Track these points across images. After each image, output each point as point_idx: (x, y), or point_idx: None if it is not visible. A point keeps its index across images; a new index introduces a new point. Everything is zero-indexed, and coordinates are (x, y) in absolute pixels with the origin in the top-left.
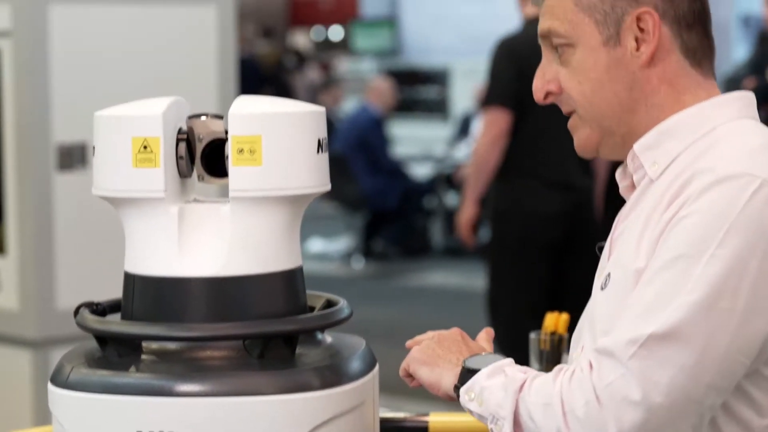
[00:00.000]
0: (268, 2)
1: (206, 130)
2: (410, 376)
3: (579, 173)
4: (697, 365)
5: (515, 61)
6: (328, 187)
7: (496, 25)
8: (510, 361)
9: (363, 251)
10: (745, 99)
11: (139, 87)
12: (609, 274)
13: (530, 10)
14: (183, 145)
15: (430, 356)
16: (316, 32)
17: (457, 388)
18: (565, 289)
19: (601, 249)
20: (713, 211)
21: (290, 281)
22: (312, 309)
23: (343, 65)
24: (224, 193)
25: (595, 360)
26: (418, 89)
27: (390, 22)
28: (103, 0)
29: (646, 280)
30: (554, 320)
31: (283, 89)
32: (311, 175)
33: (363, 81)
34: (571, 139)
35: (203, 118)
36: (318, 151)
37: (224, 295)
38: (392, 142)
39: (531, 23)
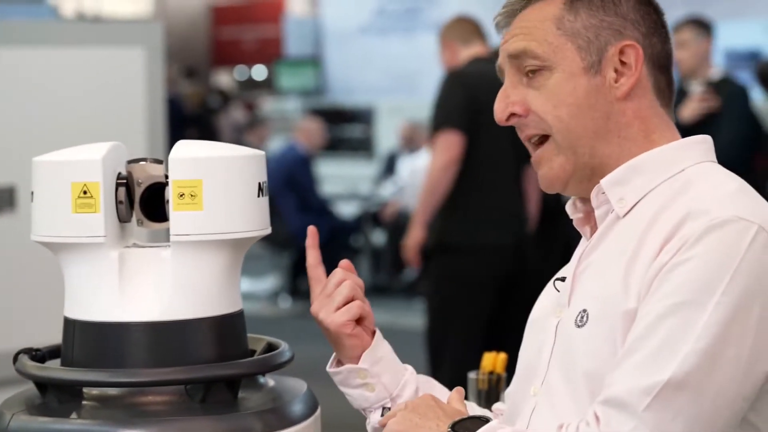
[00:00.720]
0: (191, 42)
1: (144, 174)
2: None
3: (522, 205)
4: (710, 414)
5: (465, 89)
6: (268, 230)
7: (419, 64)
8: (497, 422)
9: (290, 290)
10: (707, 143)
11: (68, 129)
12: (585, 311)
13: (469, 51)
14: (122, 190)
15: (409, 427)
16: (240, 72)
17: None
18: (508, 324)
19: (558, 280)
20: (715, 257)
21: (231, 325)
22: (253, 352)
23: (268, 104)
24: (155, 237)
25: (602, 413)
26: (343, 128)
27: (314, 61)
28: (30, 42)
29: (647, 324)
30: (492, 360)
31: (207, 129)
32: (252, 218)
33: (288, 120)
34: (515, 170)
35: (142, 162)
36: (258, 195)
37: (166, 339)
38: (318, 181)
39: (474, 61)
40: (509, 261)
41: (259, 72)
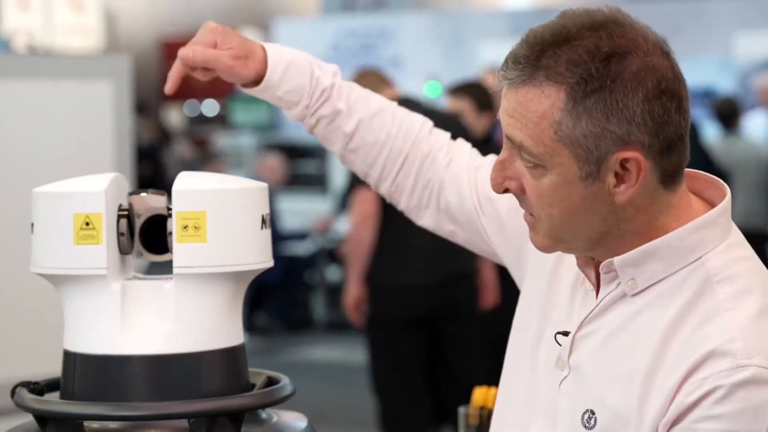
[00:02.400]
0: (141, 77)
1: (145, 206)
2: None
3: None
4: None
5: None
6: (271, 263)
7: None
8: None
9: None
10: (728, 210)
11: (34, 163)
12: (593, 414)
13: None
14: (124, 222)
15: None
16: (190, 107)
17: None
18: (444, 361)
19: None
20: (744, 420)
21: (234, 358)
22: (253, 386)
23: (222, 140)
24: (142, 269)
25: None
26: (297, 163)
27: None
28: None
29: None
30: (483, 395)
31: (158, 165)
32: (256, 250)
33: (242, 156)
34: None
35: (143, 194)
36: (262, 227)
37: (168, 373)
38: (274, 216)
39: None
40: (431, 299)
41: (210, 107)
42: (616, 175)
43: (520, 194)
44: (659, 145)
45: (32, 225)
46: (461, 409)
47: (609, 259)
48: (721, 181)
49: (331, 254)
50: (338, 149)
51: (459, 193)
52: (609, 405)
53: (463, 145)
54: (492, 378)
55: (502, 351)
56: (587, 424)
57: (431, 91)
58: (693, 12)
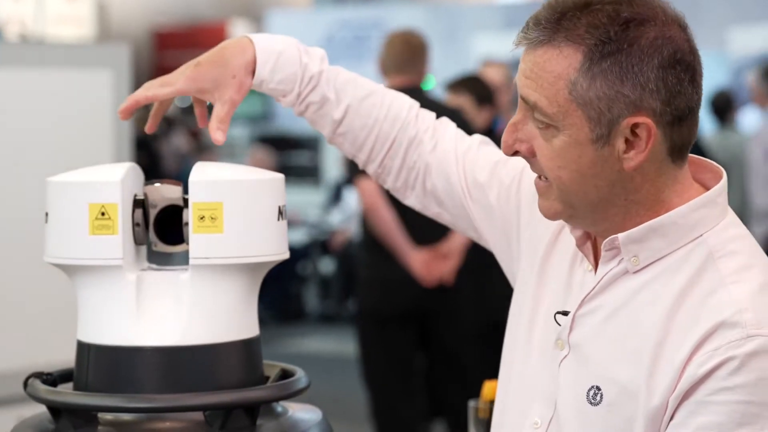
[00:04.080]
0: (133, 67)
1: (160, 196)
2: None
3: (438, 235)
4: None
5: None
6: (287, 254)
7: None
8: None
9: None
10: (725, 190)
11: (31, 153)
12: (599, 390)
13: (396, 80)
14: (139, 212)
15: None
16: (182, 97)
17: None
18: (437, 353)
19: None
20: (760, 390)
21: (249, 350)
22: (267, 378)
23: None
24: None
25: None
26: (290, 155)
27: None
28: None
29: None
30: (492, 388)
31: (152, 155)
32: (272, 242)
33: (234, 147)
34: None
35: (157, 184)
36: (278, 219)
37: (183, 364)
38: None
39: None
40: (414, 293)
41: None
42: (626, 141)
43: (530, 157)
44: (670, 115)
45: (46, 214)
46: (471, 403)
47: (613, 236)
48: (716, 163)
49: (324, 246)
50: (327, 133)
51: (446, 177)
52: (616, 381)
53: (447, 126)
54: (489, 368)
55: (500, 339)
56: (593, 401)
57: (425, 84)
58: (687, 5)
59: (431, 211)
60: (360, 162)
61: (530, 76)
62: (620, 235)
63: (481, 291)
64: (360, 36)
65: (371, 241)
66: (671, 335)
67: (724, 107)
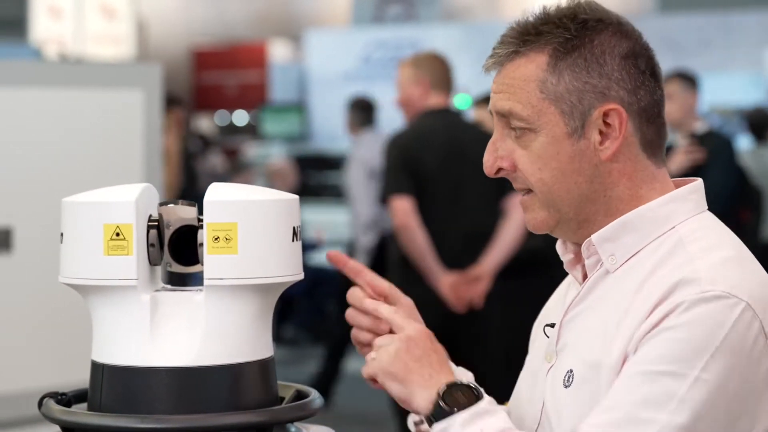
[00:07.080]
0: (172, 86)
1: (175, 216)
2: (375, 380)
3: (472, 256)
4: None
5: (403, 152)
6: (301, 275)
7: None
8: (486, 404)
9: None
10: (699, 191)
11: (64, 171)
12: (571, 372)
13: (440, 99)
14: (154, 232)
15: (401, 370)
16: (221, 117)
17: (429, 421)
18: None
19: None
20: (700, 331)
21: (264, 371)
22: (282, 399)
23: (252, 150)
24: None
25: None
26: (326, 175)
27: (299, 107)
28: (27, 83)
29: (624, 387)
30: None
31: (188, 173)
32: (287, 263)
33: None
34: (464, 225)
35: (172, 205)
36: (293, 239)
37: (198, 385)
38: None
39: (423, 116)
40: (448, 318)
41: (240, 117)
42: (600, 133)
43: (512, 172)
44: (638, 105)
45: (61, 235)
46: None
47: (587, 239)
48: (696, 178)
49: None
50: None
51: None
52: (585, 359)
53: None
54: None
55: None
56: (566, 383)
57: (461, 104)
58: (723, 26)
59: None
60: None
61: (501, 89)
62: (593, 236)
63: (510, 317)
64: (397, 56)
65: (402, 260)
66: (635, 304)
67: (760, 125)
